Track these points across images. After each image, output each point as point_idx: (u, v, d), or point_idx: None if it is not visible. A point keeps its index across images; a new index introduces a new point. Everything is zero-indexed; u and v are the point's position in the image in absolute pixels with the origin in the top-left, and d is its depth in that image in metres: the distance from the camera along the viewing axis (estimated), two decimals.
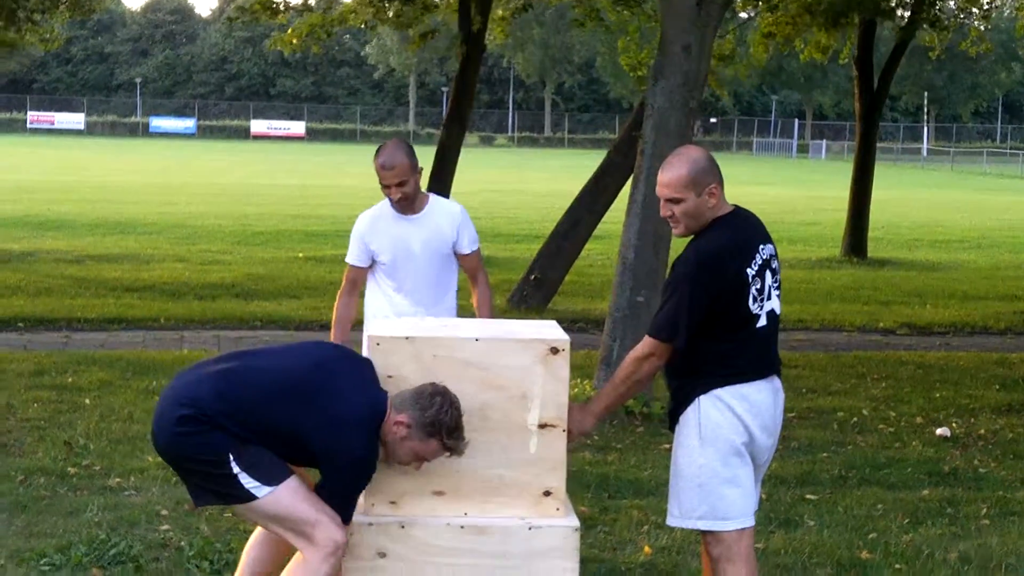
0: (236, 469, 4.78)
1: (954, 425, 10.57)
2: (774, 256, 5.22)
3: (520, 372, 4.96)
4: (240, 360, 5.03)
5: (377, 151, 6.97)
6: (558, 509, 5.02)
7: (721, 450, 5.04)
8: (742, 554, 5.07)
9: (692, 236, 5.16)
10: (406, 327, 5.20)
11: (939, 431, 10.32)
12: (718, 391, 5.05)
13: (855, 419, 10.73)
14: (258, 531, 5.26)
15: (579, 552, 4.96)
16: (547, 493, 5.00)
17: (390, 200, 6.96)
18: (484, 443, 4.96)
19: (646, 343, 5.11)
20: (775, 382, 5.23)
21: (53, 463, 8.40)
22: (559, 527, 4.96)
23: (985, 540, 7.42)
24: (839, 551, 7.10)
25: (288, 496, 4.82)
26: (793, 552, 7.06)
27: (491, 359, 4.95)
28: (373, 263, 7.11)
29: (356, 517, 4.91)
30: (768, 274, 5.15)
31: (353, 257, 7.15)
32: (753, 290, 5.07)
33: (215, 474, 4.81)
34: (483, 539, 4.92)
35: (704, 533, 5.14)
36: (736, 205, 5.23)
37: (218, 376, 4.92)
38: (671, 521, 5.16)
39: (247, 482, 4.79)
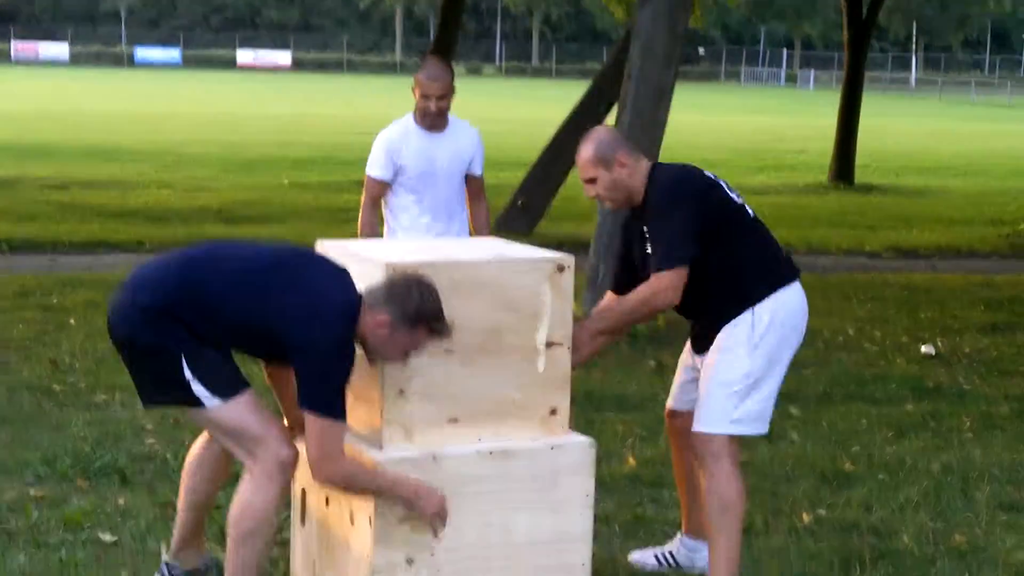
0: (188, 375, 4.60)
1: (939, 344, 10.61)
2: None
3: (531, 291, 4.93)
4: (206, 249, 4.86)
5: (421, 67, 7.25)
6: (563, 427, 5.05)
7: (768, 357, 5.09)
8: (730, 452, 5.13)
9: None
10: (420, 252, 5.06)
11: (924, 349, 10.36)
12: (767, 302, 5.07)
13: (840, 338, 10.76)
14: (193, 455, 5.10)
15: (595, 467, 5.02)
16: (553, 412, 5.02)
17: (416, 116, 7.18)
18: (495, 365, 4.91)
19: (658, 278, 5.03)
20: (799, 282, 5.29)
21: (39, 380, 8.41)
22: (578, 444, 5.01)
23: (968, 452, 7.47)
24: (823, 463, 7.14)
25: (238, 410, 4.66)
26: (778, 464, 7.10)
27: (504, 279, 4.90)
28: (395, 178, 7.23)
29: (385, 454, 4.76)
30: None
31: (378, 169, 7.23)
32: (723, 183, 5.19)
33: (167, 376, 4.62)
34: (510, 463, 4.89)
35: (700, 432, 5.15)
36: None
37: (182, 263, 4.74)
38: (707, 427, 5.11)
39: (198, 390, 4.62)
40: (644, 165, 5.21)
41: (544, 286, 4.94)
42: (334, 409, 4.55)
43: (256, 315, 4.60)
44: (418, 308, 4.57)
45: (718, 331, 5.15)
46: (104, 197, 19.05)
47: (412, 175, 7.19)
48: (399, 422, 4.81)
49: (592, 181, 5.18)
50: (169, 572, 5.16)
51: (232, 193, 20.21)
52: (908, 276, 14.42)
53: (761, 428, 5.22)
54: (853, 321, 11.50)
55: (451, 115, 7.29)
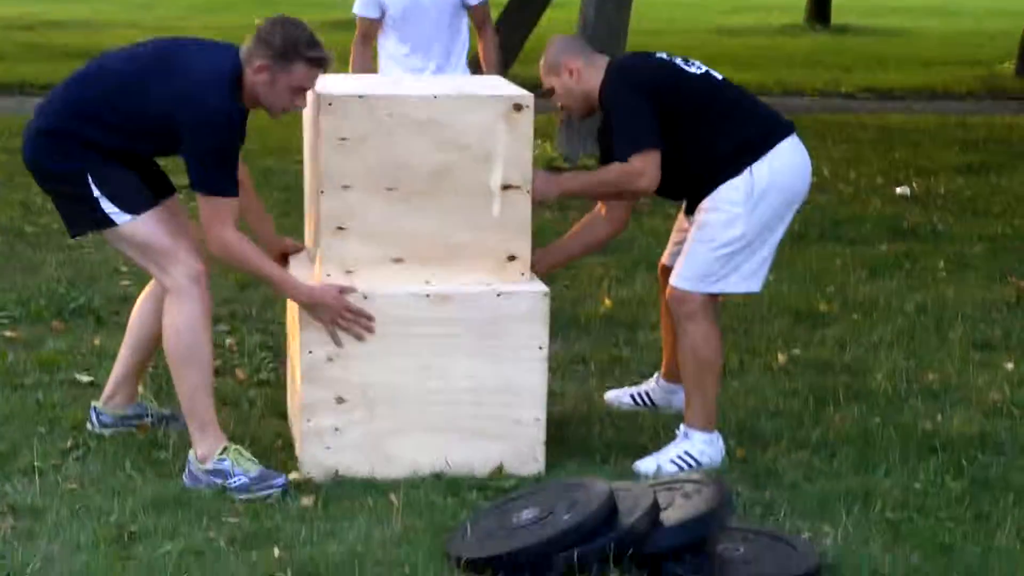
0: (96, 192, 4.62)
1: (914, 184, 10.61)
2: None
3: (481, 130, 4.74)
4: (95, 62, 4.84)
5: None
6: (523, 274, 4.87)
7: (766, 218, 4.92)
8: (706, 311, 5.00)
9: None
10: (359, 85, 4.95)
11: (898, 190, 10.36)
12: (766, 159, 4.89)
13: (815, 179, 10.59)
14: (141, 296, 5.13)
15: (549, 318, 4.86)
16: (512, 258, 4.84)
17: None
18: (444, 206, 4.78)
19: (630, 163, 4.88)
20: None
21: (10, 222, 8.36)
22: (527, 292, 4.82)
23: (941, 291, 7.50)
24: (797, 303, 7.17)
25: (147, 226, 4.68)
26: (751, 304, 7.10)
27: (451, 117, 4.73)
28: (383, 16, 6.94)
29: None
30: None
31: (362, 7, 6.95)
32: (679, 59, 5.05)
33: (77, 195, 4.66)
34: (449, 307, 4.76)
35: (674, 288, 5.03)
36: None
37: (71, 80, 4.76)
38: (687, 284, 4.98)
39: (107, 207, 4.64)
40: (598, 66, 5.03)
41: (499, 125, 4.75)
42: (224, 187, 4.60)
43: (140, 112, 4.61)
44: (285, 40, 4.52)
45: (711, 188, 4.97)
46: (71, 37, 18.80)
47: (395, 12, 6.89)
48: (336, 260, 4.76)
49: (551, 92, 5.10)
50: (97, 417, 5.14)
51: (203, 33, 19.86)
52: (883, 117, 14.38)
53: (753, 286, 5.07)
54: (828, 162, 11.47)
55: None
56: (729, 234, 4.92)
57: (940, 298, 7.36)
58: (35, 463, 4.80)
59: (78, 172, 4.63)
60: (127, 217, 4.67)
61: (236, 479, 4.64)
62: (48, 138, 4.67)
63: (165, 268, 4.70)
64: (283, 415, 5.35)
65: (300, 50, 4.53)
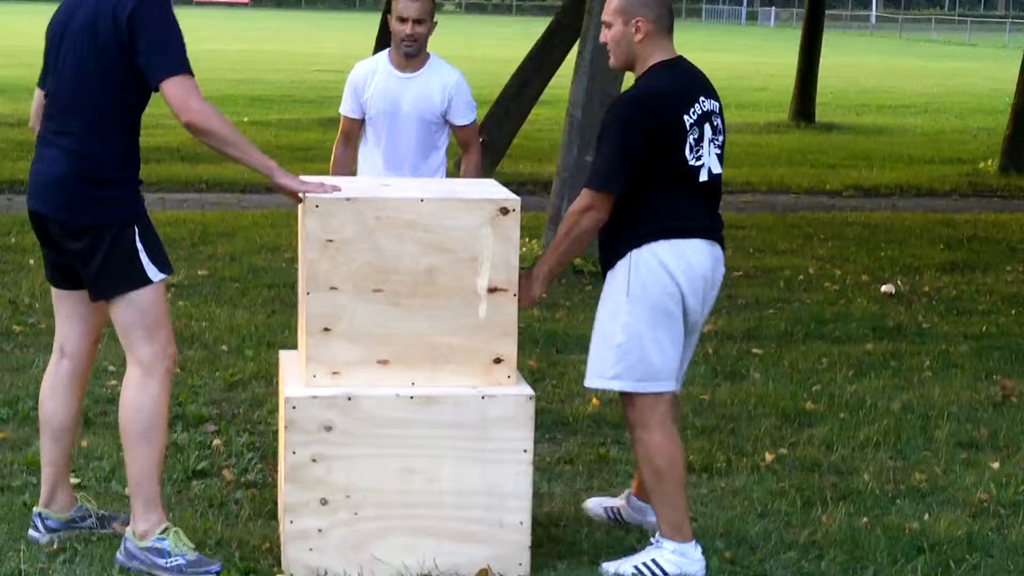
0: (139, 245, 4.76)
1: (899, 283, 10.67)
2: (717, 113, 5.00)
3: (468, 234, 4.78)
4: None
5: None
6: (509, 377, 4.87)
7: (649, 308, 4.84)
8: (657, 419, 4.90)
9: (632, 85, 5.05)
10: (347, 187, 4.95)
11: (884, 288, 10.42)
12: (653, 245, 4.82)
13: (801, 277, 10.80)
14: (43, 388, 5.17)
15: (533, 421, 4.86)
16: (498, 360, 4.86)
17: (391, 53, 6.64)
18: (431, 308, 4.80)
19: (584, 195, 4.88)
20: (716, 248, 4.99)
21: None
22: (512, 395, 4.82)
23: (927, 391, 7.53)
24: (784, 402, 7.18)
25: (161, 290, 4.83)
26: (738, 403, 7.13)
27: (437, 220, 4.76)
28: (364, 118, 6.73)
29: (299, 390, 4.76)
30: (708, 128, 4.93)
31: (345, 107, 6.79)
32: (691, 139, 4.86)
33: (113, 252, 4.78)
34: (433, 409, 4.76)
35: (621, 395, 4.98)
36: (680, 56, 5.07)
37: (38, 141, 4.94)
38: (588, 382, 4.97)
39: (146, 263, 4.78)
40: (661, 48, 4.92)
41: (485, 228, 4.78)
42: (185, 63, 4.71)
43: (99, 51, 4.72)
44: None
45: (607, 269, 4.94)
46: None
47: (373, 115, 6.64)
48: (323, 360, 4.77)
49: (608, 26, 4.96)
50: (42, 523, 5.10)
51: None
52: (868, 215, 14.48)
53: (660, 386, 4.91)
54: (814, 260, 11.55)
55: (434, 56, 6.67)
56: (615, 324, 4.86)
57: (926, 397, 7.38)
58: (21, 567, 4.79)
59: (122, 223, 4.74)
60: (160, 276, 4.79)
61: (173, 559, 4.70)
62: (85, 186, 4.74)
63: (151, 339, 4.78)
64: (272, 515, 5.34)
65: None
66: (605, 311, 4.93)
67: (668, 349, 4.89)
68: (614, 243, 4.92)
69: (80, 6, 4.79)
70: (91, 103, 4.75)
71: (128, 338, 4.84)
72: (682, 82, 4.97)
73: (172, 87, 4.66)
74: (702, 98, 4.94)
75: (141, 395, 4.77)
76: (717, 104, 5.03)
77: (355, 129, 6.79)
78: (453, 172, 7.13)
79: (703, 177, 4.92)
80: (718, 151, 4.95)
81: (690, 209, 4.91)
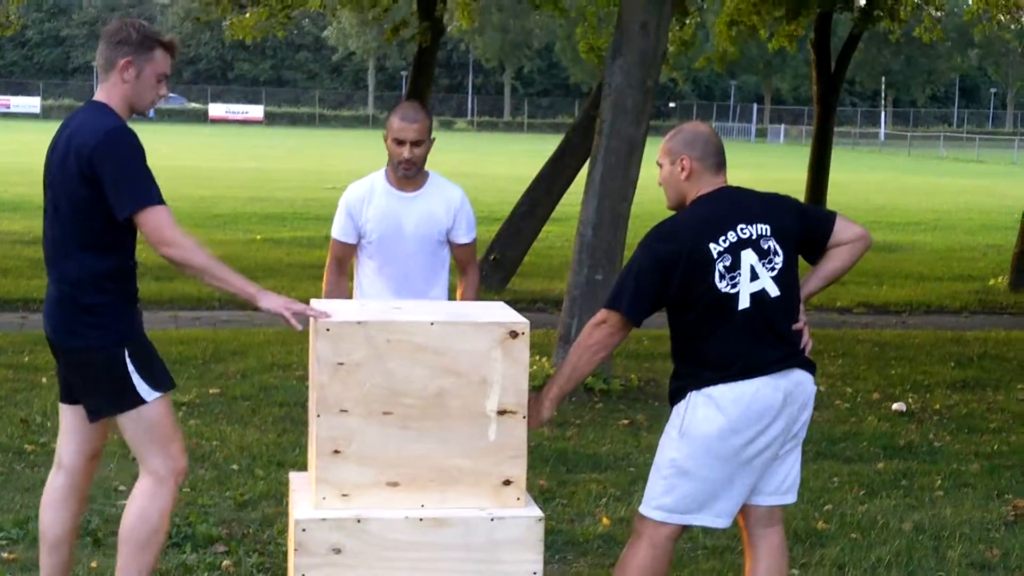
0: (131, 368, 4.92)
1: (910, 400, 10.66)
2: (767, 236, 5.01)
3: (478, 357, 4.79)
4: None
5: (393, 109, 6.42)
6: (518, 499, 4.87)
7: (697, 449, 4.95)
8: (650, 537, 5.05)
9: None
10: (357, 311, 4.99)
11: (895, 406, 10.41)
12: (709, 389, 4.94)
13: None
14: (43, 502, 5.29)
15: (542, 542, 4.85)
16: (507, 482, 4.85)
17: (388, 171, 6.43)
18: (440, 430, 4.80)
19: (600, 311, 5.10)
20: (785, 377, 4.99)
21: (10, 440, 8.37)
22: (522, 518, 4.81)
23: (939, 511, 7.50)
24: (795, 521, 7.15)
25: (166, 403, 4.99)
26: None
27: (447, 343, 4.78)
28: (359, 240, 6.50)
29: (308, 512, 4.75)
30: (751, 253, 4.95)
31: (339, 231, 6.48)
32: (720, 266, 4.90)
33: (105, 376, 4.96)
34: (443, 532, 4.76)
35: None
36: (727, 187, 5.14)
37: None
38: (640, 508, 5.14)
39: (140, 384, 4.94)
40: (707, 184, 5.09)
41: (495, 351, 4.79)
42: (156, 196, 4.85)
43: (82, 194, 4.89)
44: (139, 32, 4.99)
45: (672, 406, 5.12)
46: None
47: (373, 239, 6.41)
48: (332, 482, 4.78)
49: (660, 166, 5.20)
50: None
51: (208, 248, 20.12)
52: (878, 332, 14.50)
53: (707, 521, 5.04)
54: (824, 378, 11.55)
55: (433, 173, 6.48)
56: (665, 456, 5.05)
57: (938, 517, 7.36)
58: None
59: (111, 346, 4.89)
60: (156, 394, 4.93)
61: None
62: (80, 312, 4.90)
63: (163, 451, 4.93)
64: None
65: (153, 39, 4.98)
66: (661, 442, 5.11)
67: (725, 489, 5.01)
68: (678, 383, 5.09)
69: (62, 133, 5.03)
70: (68, 231, 4.93)
71: (139, 451, 5.01)
72: (717, 210, 5.06)
73: (144, 222, 4.82)
74: (741, 225, 5.01)
75: (149, 505, 4.93)
76: (767, 227, 5.05)
77: (348, 254, 6.55)
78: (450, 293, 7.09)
79: (743, 304, 4.95)
80: (771, 273, 5.01)
81: (741, 346, 4.97)
